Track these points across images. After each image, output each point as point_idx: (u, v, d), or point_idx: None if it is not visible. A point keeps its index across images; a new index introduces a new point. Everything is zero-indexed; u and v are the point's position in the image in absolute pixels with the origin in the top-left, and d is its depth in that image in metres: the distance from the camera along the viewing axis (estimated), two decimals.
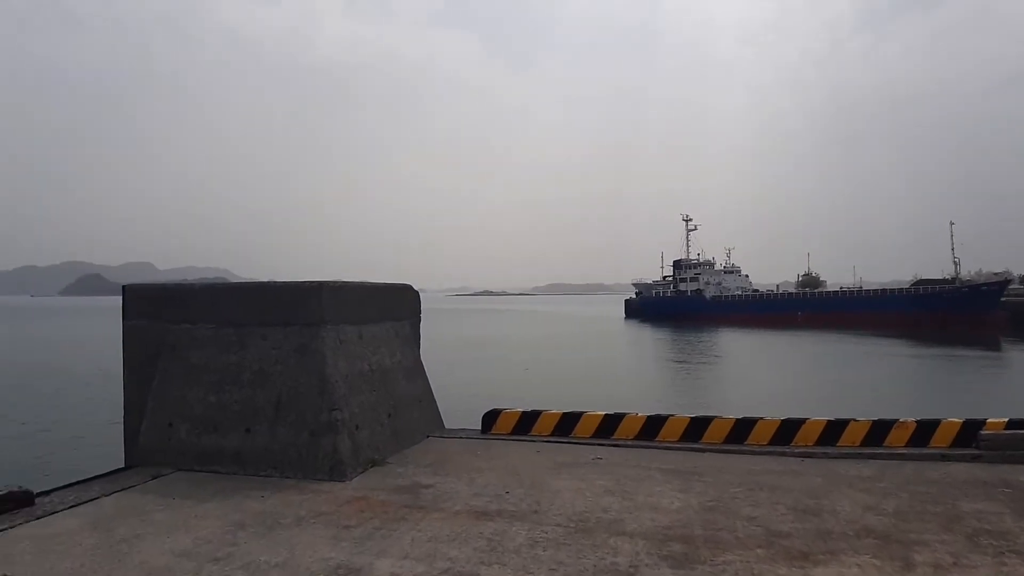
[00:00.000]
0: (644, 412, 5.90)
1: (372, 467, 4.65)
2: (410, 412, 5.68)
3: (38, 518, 3.52)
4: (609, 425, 5.65)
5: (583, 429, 5.65)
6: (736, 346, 44.58)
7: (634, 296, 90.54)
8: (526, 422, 5.77)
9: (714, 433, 5.51)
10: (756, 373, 29.01)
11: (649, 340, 52.11)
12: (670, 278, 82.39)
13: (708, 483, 4.39)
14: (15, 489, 3.64)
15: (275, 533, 3.40)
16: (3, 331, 74.45)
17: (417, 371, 6.13)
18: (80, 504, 3.76)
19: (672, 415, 5.73)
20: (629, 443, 5.47)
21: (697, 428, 5.54)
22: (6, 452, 15.14)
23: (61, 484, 4.07)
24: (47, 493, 3.89)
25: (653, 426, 5.60)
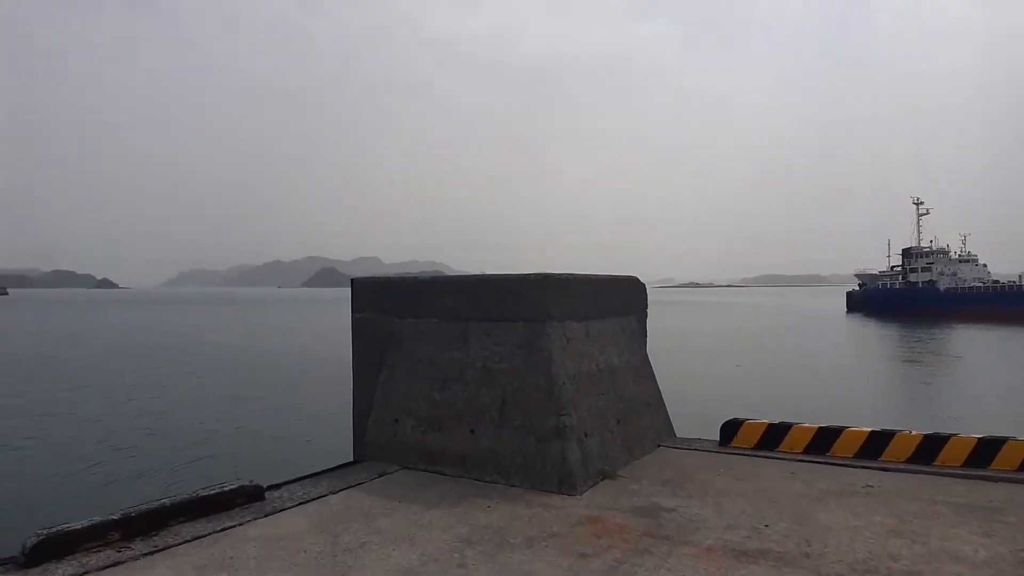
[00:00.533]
0: (875, 425, 5.01)
1: (603, 480, 4.21)
2: (640, 418, 5.18)
3: (267, 515, 3.47)
4: (876, 444, 4.77)
5: (843, 447, 4.82)
6: (976, 344, 39.40)
7: (856, 288, 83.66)
8: (773, 435, 5.04)
9: (1007, 457, 4.46)
10: (1008, 377, 25.22)
11: (875, 336, 47.70)
12: (898, 268, 75.09)
13: (1013, 524, 3.48)
14: (246, 484, 3.62)
15: (504, 555, 3.06)
16: (256, 320, 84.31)
17: (646, 371, 5.63)
18: (308, 502, 3.69)
19: (955, 435, 4.73)
20: (901, 467, 4.57)
21: (986, 450, 4.52)
22: (243, 438, 16.30)
23: (291, 478, 4.05)
24: (277, 487, 3.88)
25: (931, 447, 4.65)
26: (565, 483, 3.99)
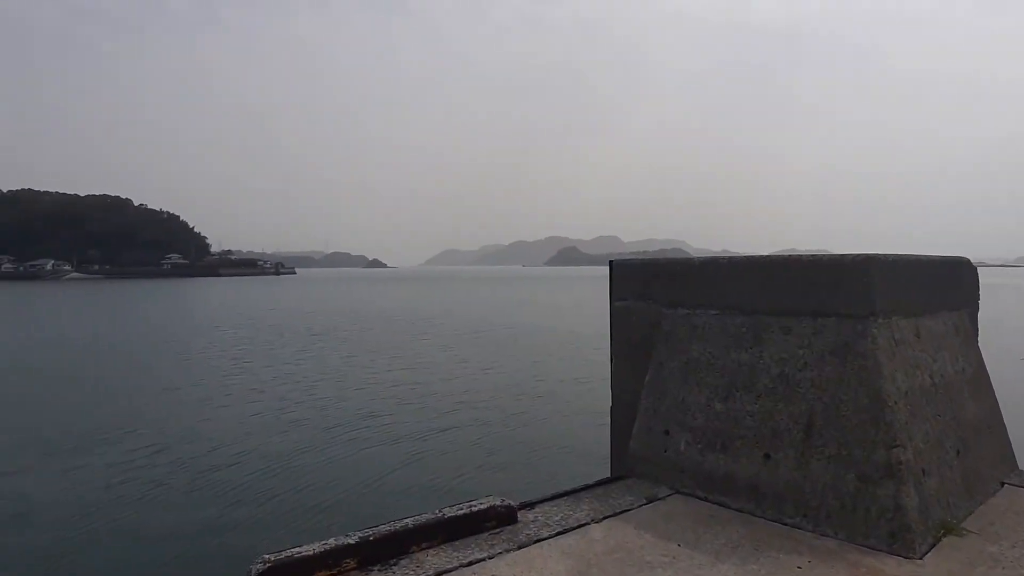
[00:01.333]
0: None
1: (945, 536, 3.09)
2: (979, 446, 3.89)
3: (520, 547, 2.85)
4: None
5: None
6: None
7: None
8: None
9: None
10: None
11: None
12: None
13: None
14: (498, 504, 3.03)
15: None
16: (507, 294, 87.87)
17: (982, 383, 4.27)
18: (567, 532, 3.03)
19: None
20: None
21: None
22: (484, 428, 15.93)
23: (545, 495, 3.42)
24: (531, 506, 3.27)
25: None
26: (898, 539, 2.94)
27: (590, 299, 75.12)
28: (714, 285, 3.73)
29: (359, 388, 21.29)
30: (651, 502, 3.41)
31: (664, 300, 3.92)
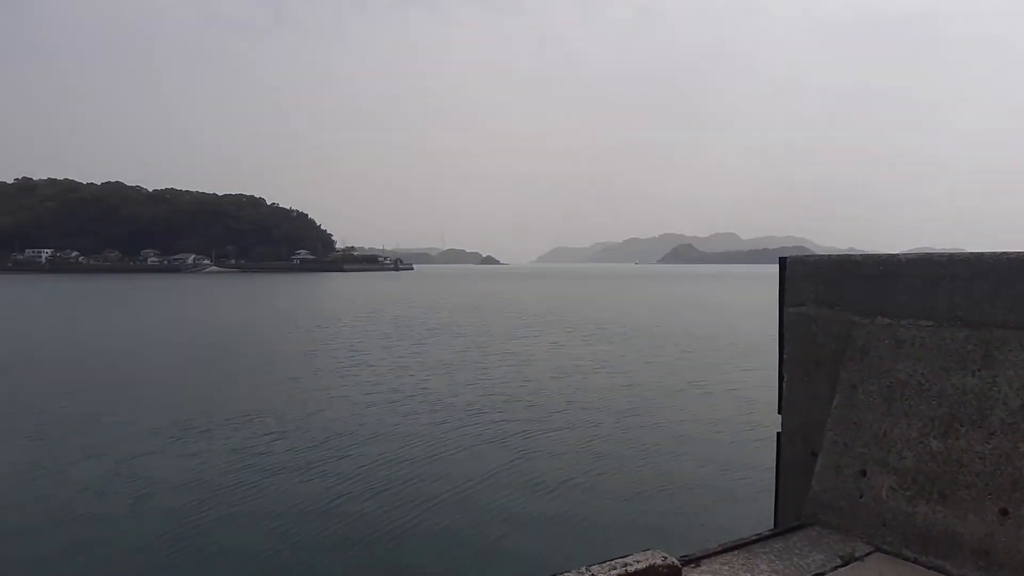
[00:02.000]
0: None
1: None
2: None
3: None
4: None
5: None
6: None
7: None
8: None
9: None
10: None
11: None
12: None
13: None
14: (658, 561, 2.43)
15: None
16: (624, 291, 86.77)
17: None
18: None
19: None
20: None
21: None
22: (625, 461, 14.57)
23: (711, 548, 2.79)
24: (695, 562, 2.64)
25: None
26: None
27: (730, 299, 72.70)
28: (927, 290, 2.96)
29: (473, 393, 20.98)
30: (848, 563, 2.71)
31: (858, 307, 3.18)
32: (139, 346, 32.08)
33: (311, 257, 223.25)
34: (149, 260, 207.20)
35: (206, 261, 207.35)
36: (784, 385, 3.52)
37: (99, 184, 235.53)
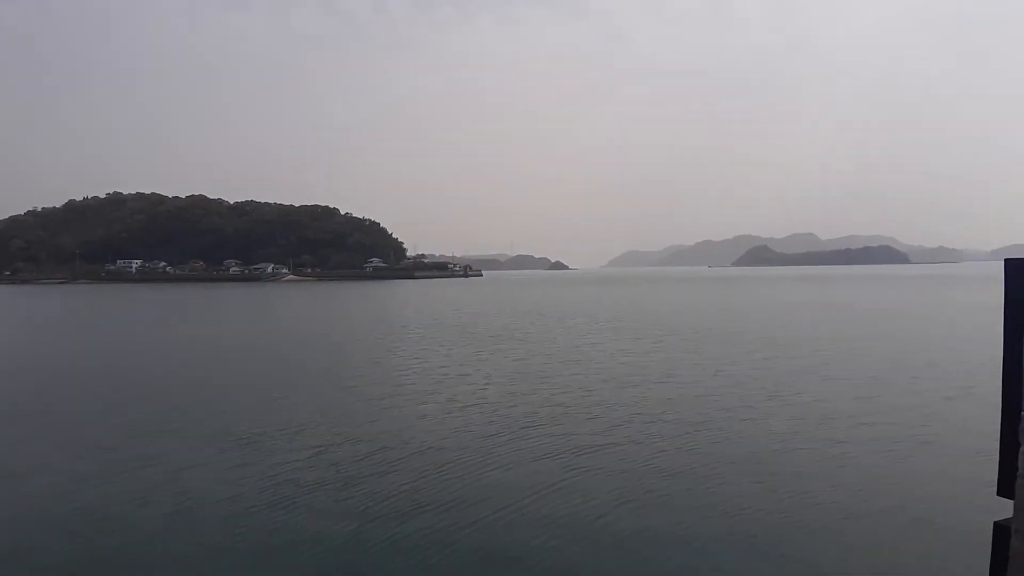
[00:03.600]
0: None
1: None
2: None
3: None
4: None
5: None
6: None
7: None
8: None
9: None
10: None
11: None
12: None
13: None
14: None
15: None
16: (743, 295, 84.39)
17: None
18: None
19: None
20: None
21: None
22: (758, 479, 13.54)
23: None
24: None
25: None
26: None
27: (813, 299, 69.68)
28: None
29: (531, 403, 19.93)
30: None
31: None
32: (216, 351, 32.79)
33: (383, 265, 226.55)
34: (231, 270, 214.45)
35: (284, 270, 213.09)
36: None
37: (184, 197, 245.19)
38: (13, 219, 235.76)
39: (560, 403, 18.68)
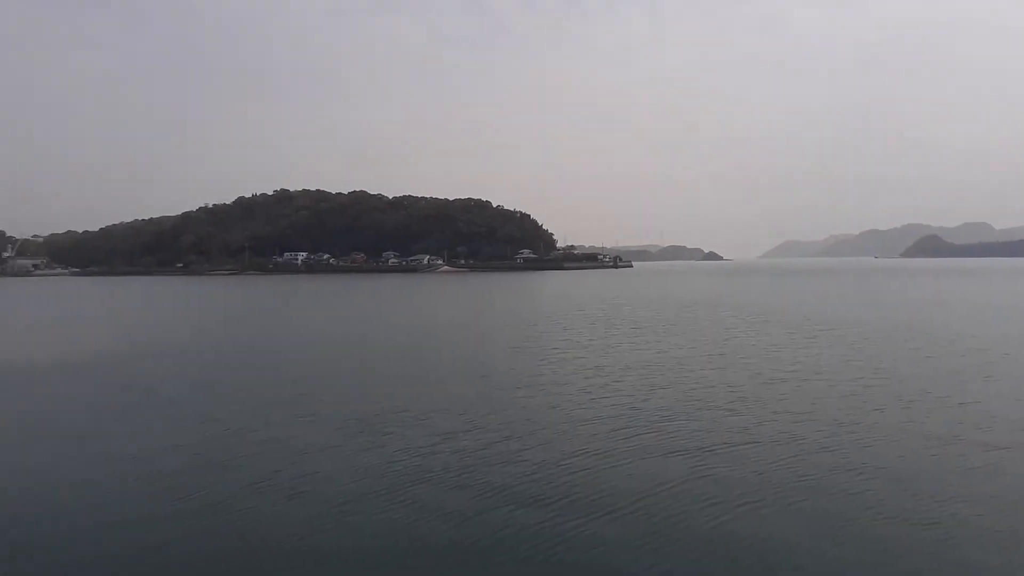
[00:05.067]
0: None
1: None
2: None
3: None
4: None
5: None
6: None
7: None
8: None
9: None
10: None
11: None
12: None
13: None
14: None
15: None
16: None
17: None
18: None
19: None
20: None
21: None
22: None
23: None
24: None
25: None
26: None
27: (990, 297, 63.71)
28: None
29: (668, 397, 19.54)
30: None
31: None
32: (358, 337, 34.20)
33: (533, 256, 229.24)
34: (390, 261, 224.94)
35: (439, 261, 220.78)
36: None
37: (346, 194, 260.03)
38: (186, 215, 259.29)
39: (699, 398, 18.10)
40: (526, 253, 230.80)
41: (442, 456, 13.32)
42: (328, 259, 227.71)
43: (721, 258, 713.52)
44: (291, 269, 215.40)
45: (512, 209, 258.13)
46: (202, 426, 16.26)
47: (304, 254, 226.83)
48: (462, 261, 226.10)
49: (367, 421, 16.25)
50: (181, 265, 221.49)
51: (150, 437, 15.29)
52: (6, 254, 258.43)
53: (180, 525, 10.22)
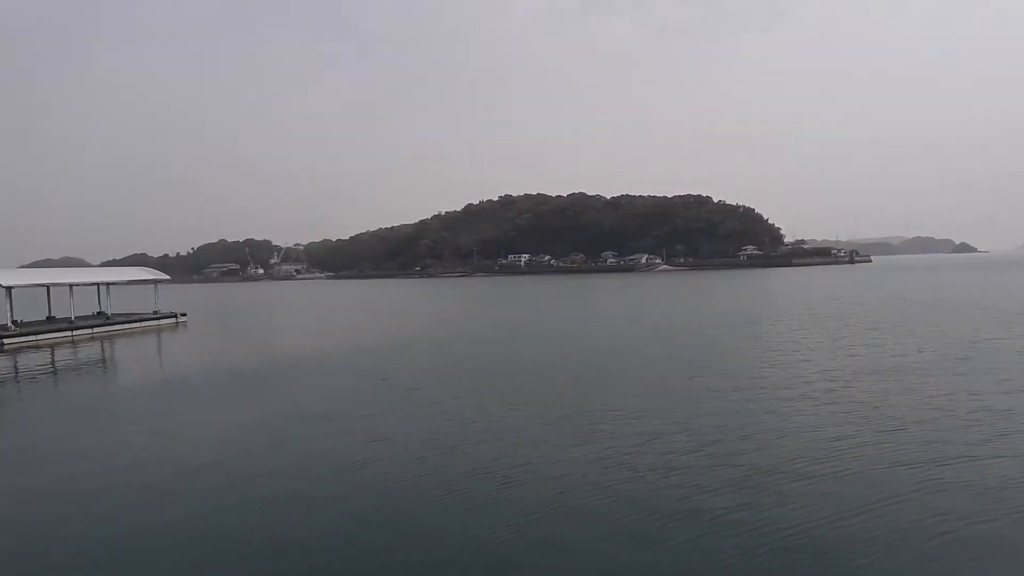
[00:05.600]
0: None
1: None
2: None
3: None
4: None
5: None
6: None
7: None
8: None
9: None
10: None
11: None
12: None
13: None
14: None
15: None
16: None
17: None
18: None
19: None
20: None
21: None
22: None
23: None
24: None
25: None
26: None
27: None
28: None
29: (901, 406, 18.30)
30: None
31: None
32: (574, 334, 34.83)
33: (758, 252, 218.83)
34: (608, 261, 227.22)
35: (658, 260, 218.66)
36: None
37: (565, 196, 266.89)
38: (422, 223, 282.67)
39: (935, 406, 16.70)
40: (750, 249, 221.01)
41: (649, 456, 13.63)
42: (548, 260, 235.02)
43: (975, 249, 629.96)
44: (514, 270, 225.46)
45: (734, 203, 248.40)
46: (432, 414, 18.15)
47: (526, 256, 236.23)
48: (681, 259, 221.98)
49: (578, 417, 16.99)
50: (418, 268, 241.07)
51: (390, 422, 17.50)
52: (273, 260, 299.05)
53: (414, 501, 11.60)
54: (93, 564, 9.72)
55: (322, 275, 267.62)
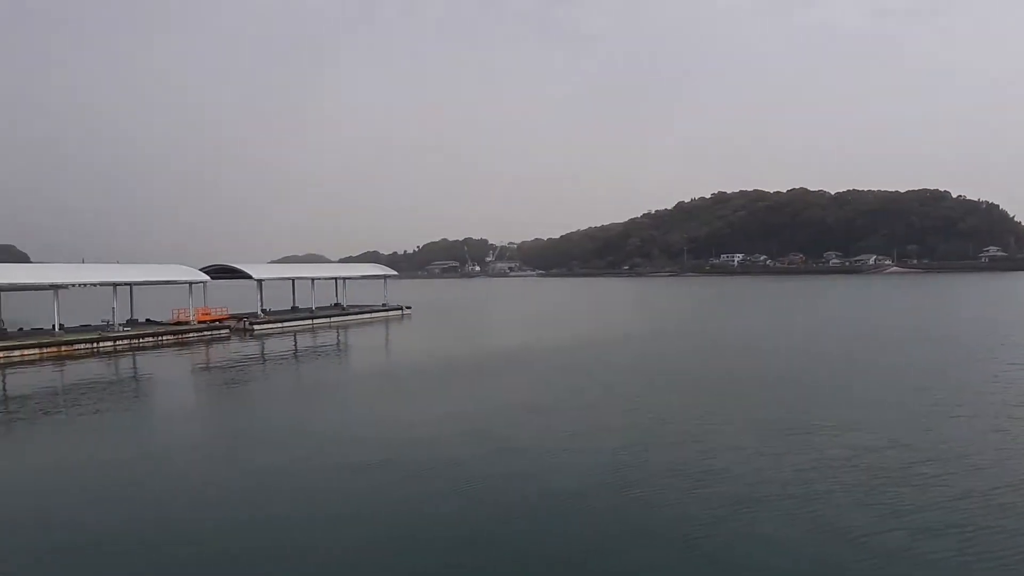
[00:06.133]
0: None
1: None
2: None
3: None
4: None
5: None
6: None
7: None
8: None
9: None
10: None
11: None
12: None
13: None
14: None
15: None
16: None
17: None
18: None
19: None
20: None
21: None
22: None
23: None
24: None
25: None
26: None
27: None
28: None
29: None
30: None
31: None
32: (794, 343, 33.97)
33: (1001, 254, 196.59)
34: (831, 262, 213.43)
35: (887, 261, 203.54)
36: None
37: (784, 192, 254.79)
38: (632, 221, 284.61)
39: None
40: (992, 251, 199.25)
41: (851, 472, 13.44)
42: (764, 260, 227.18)
43: None
44: (727, 270, 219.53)
45: (977, 199, 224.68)
46: (632, 411, 19.11)
47: (740, 255, 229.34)
48: (914, 260, 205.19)
49: (781, 427, 17.07)
50: (627, 267, 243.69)
51: (589, 417, 18.74)
52: (488, 258, 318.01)
53: (607, 497, 12.34)
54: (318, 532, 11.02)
55: (533, 273, 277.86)
